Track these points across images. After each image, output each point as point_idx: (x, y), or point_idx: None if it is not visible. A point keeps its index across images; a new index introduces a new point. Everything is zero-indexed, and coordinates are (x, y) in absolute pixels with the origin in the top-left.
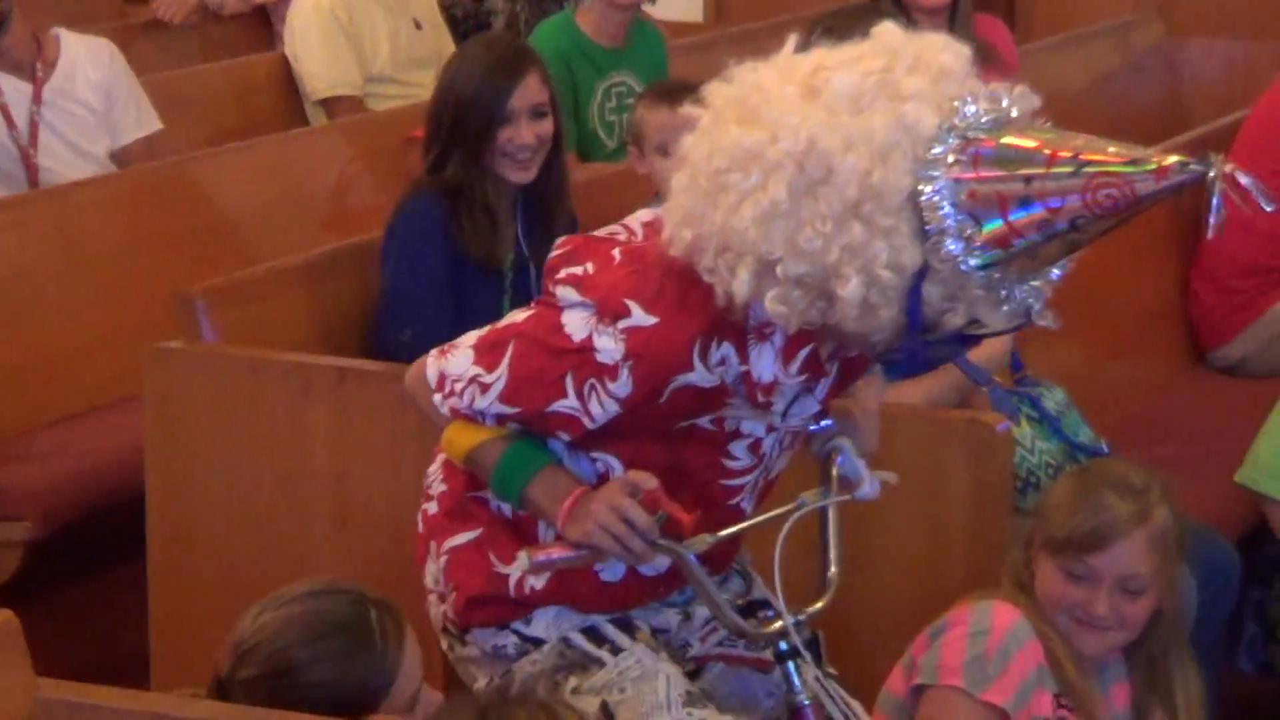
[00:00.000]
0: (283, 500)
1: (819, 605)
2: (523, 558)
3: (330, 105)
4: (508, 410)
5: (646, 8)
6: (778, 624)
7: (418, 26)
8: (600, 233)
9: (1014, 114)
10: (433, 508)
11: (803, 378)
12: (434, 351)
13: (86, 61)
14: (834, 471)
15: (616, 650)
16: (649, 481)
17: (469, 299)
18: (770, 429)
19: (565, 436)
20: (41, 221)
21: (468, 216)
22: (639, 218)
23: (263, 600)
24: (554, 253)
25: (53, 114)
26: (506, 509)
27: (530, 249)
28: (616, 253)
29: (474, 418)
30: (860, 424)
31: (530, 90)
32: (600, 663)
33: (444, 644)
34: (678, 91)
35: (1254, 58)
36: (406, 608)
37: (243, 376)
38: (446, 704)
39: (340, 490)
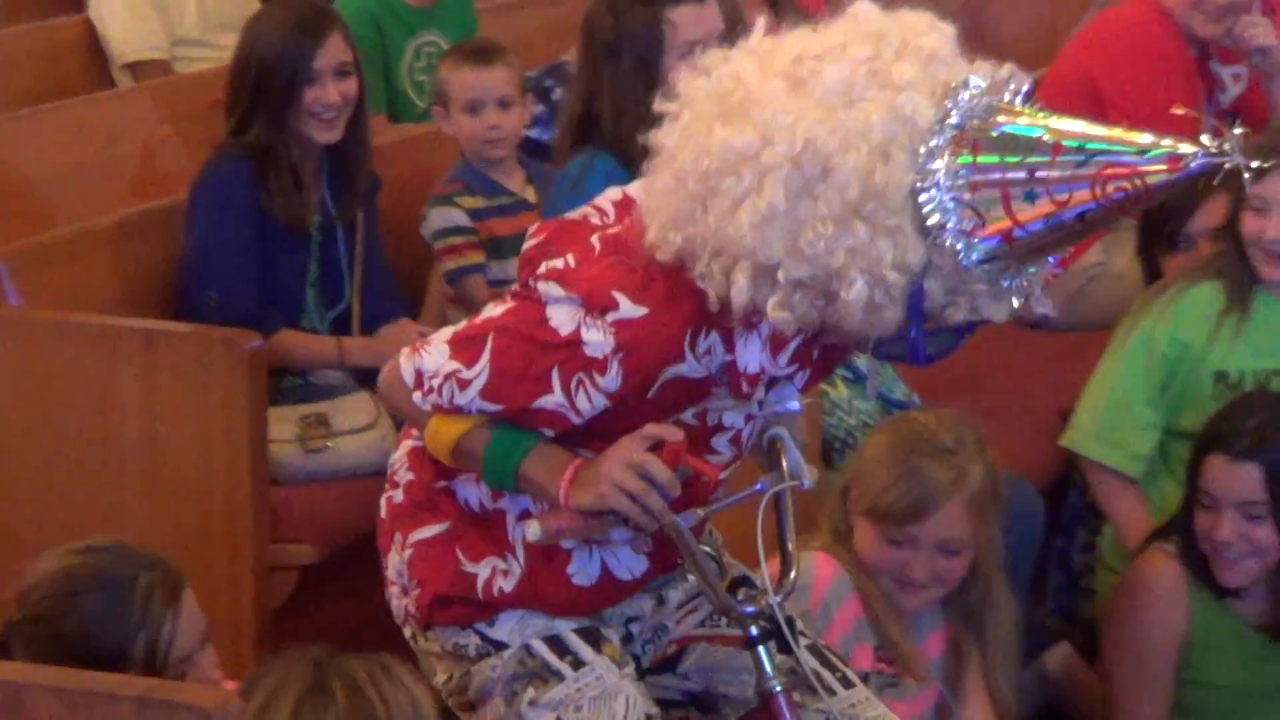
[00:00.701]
0: (92, 462)
1: (791, 577)
2: (534, 528)
3: (137, 69)
4: (490, 406)
5: None
6: (761, 601)
7: None
8: (572, 215)
9: (1006, 97)
10: (398, 496)
11: (793, 369)
12: (404, 350)
13: None
14: (784, 459)
15: (578, 664)
16: (674, 434)
17: (277, 260)
18: (749, 419)
19: (549, 432)
20: None
21: (274, 178)
22: (609, 197)
23: (57, 548)
24: (529, 241)
25: None
26: (474, 503)
27: (336, 210)
28: (596, 242)
29: (452, 412)
30: (794, 416)
31: (334, 49)
32: (560, 676)
33: (406, 633)
34: (483, 51)
35: (1057, 12)
36: (212, 566)
37: (49, 340)
38: (283, 655)
39: (149, 451)
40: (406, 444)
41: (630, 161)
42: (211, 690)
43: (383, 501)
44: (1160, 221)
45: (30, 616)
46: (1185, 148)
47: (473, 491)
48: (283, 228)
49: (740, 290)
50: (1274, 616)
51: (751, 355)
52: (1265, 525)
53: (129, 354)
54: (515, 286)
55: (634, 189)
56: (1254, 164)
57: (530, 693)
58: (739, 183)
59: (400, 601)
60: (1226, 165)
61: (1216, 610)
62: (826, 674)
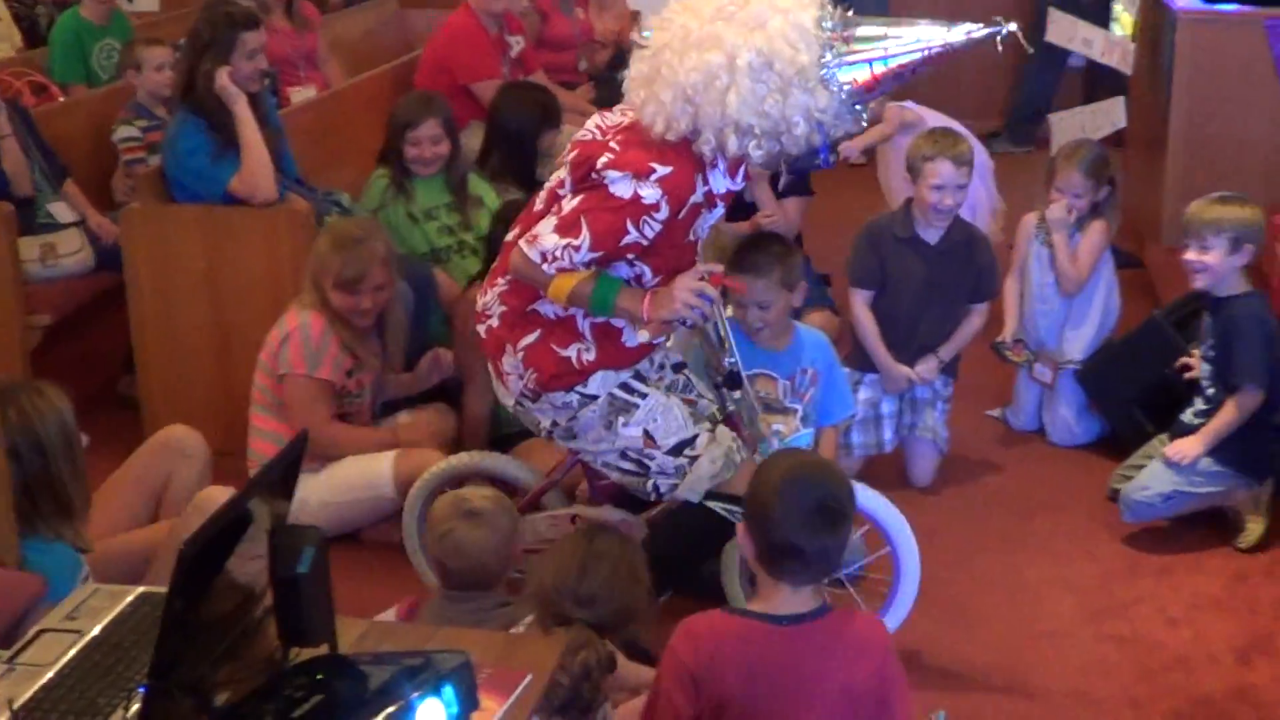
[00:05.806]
0: None
1: (733, 352)
2: (644, 333)
3: None
4: (596, 255)
5: (122, 5)
6: (730, 360)
7: None
8: (579, 136)
9: (839, 13)
10: (494, 323)
11: (743, 184)
12: (522, 243)
13: None
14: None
15: (643, 395)
16: (716, 267)
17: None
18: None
19: (631, 256)
20: None
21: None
22: (592, 123)
23: None
24: (570, 154)
25: None
26: (552, 314)
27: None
28: (615, 144)
29: (571, 269)
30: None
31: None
32: (636, 406)
33: (510, 404)
34: (156, 39)
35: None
36: None
37: None
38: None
39: None
40: (492, 291)
41: (208, 115)
42: None
43: (482, 330)
44: None
45: None
46: (975, 26)
47: (549, 308)
48: None
49: (733, 146)
50: None
51: (718, 181)
52: None
53: None
54: (568, 185)
55: (607, 116)
56: (1012, 27)
57: (621, 419)
58: (722, 83)
59: (517, 384)
60: (1002, 31)
61: None
62: (758, 407)
